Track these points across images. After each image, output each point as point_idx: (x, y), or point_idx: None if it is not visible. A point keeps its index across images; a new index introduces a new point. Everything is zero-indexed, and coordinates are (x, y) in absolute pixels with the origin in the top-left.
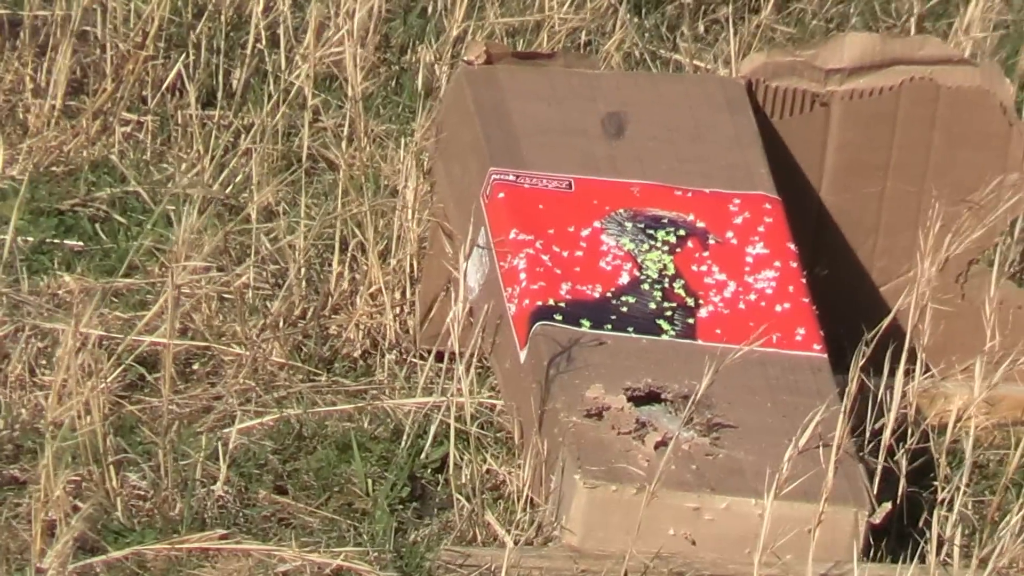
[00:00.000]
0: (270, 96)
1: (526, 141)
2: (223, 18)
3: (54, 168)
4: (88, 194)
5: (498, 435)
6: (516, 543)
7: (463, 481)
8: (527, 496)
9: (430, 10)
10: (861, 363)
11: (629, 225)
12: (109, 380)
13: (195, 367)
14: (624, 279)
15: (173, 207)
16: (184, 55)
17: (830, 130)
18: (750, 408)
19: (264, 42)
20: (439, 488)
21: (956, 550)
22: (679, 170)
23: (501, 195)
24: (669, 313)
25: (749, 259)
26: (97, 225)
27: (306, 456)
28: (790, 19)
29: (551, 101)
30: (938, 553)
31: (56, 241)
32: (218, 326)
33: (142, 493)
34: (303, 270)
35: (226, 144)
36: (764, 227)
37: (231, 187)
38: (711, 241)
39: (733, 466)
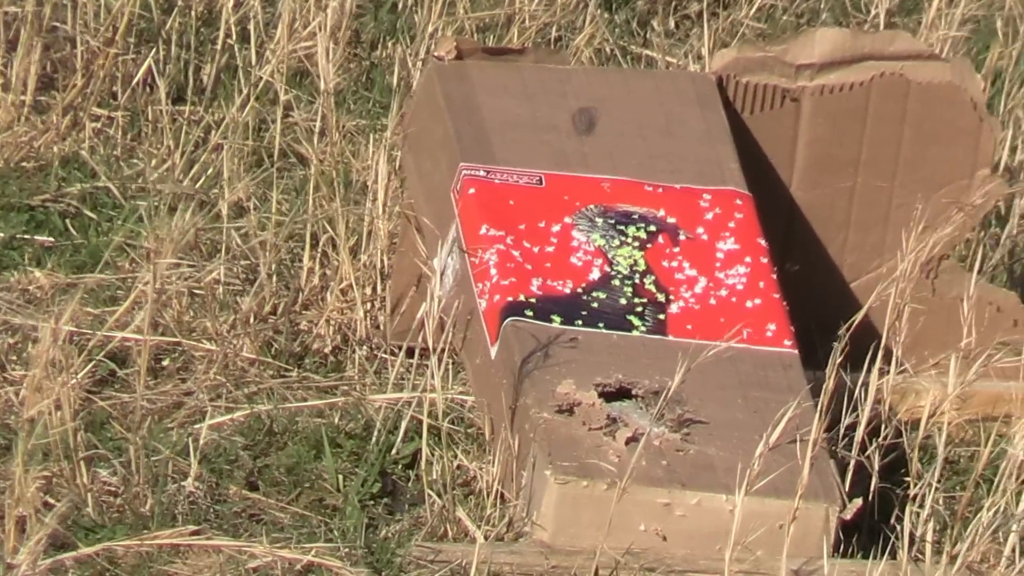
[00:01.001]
0: (240, 91)
1: (496, 137)
2: (193, 13)
3: (24, 163)
4: (58, 190)
5: (469, 431)
6: (487, 539)
7: (434, 477)
8: (498, 492)
9: (400, 6)
10: (839, 360)
11: (600, 221)
12: (80, 376)
13: (165, 363)
14: (595, 275)
15: (144, 202)
16: (154, 50)
17: (800, 126)
18: (721, 404)
19: (235, 37)
20: (410, 484)
21: (928, 546)
22: (650, 166)
23: (472, 191)
24: (640, 309)
25: (720, 255)
26: (68, 221)
27: (277, 452)
28: (761, 15)
29: (522, 97)
30: (909, 549)
31: (26, 236)
32: (188, 322)
33: (113, 489)
34: (274, 266)
35: (197, 140)
36: (735, 223)
37: (202, 182)
38: (682, 237)
39: (704, 462)
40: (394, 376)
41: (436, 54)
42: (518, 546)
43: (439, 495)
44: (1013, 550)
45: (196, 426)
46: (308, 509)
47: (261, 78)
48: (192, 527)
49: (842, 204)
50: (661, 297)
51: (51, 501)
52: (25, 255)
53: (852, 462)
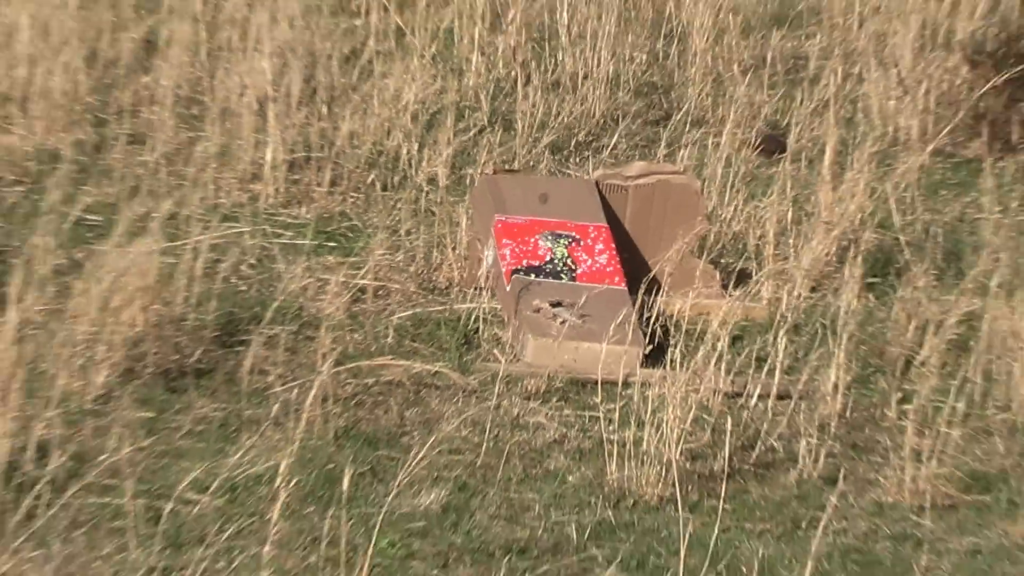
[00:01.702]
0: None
1: (509, 203)
2: None
3: None
4: None
5: (497, 319)
6: (507, 362)
7: (486, 337)
8: (510, 344)
9: (470, 152)
10: (642, 291)
11: (549, 236)
12: None
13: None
14: (547, 258)
15: None
16: None
17: (628, 202)
18: (596, 308)
19: (392, 159)
20: (477, 344)
21: (689, 362)
22: (569, 214)
23: (499, 225)
24: (565, 271)
25: (597, 250)
26: None
27: (414, 327)
28: (615, 153)
29: (519, 187)
30: (680, 365)
31: None
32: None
33: None
34: (423, 253)
35: None
36: (603, 240)
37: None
38: (581, 243)
39: (592, 329)
40: (469, 298)
41: (485, 171)
42: (518, 365)
43: (487, 344)
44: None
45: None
46: (435, 352)
47: (423, 175)
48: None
49: (646, 233)
50: (573, 267)
51: None
52: None
53: (653, 330)
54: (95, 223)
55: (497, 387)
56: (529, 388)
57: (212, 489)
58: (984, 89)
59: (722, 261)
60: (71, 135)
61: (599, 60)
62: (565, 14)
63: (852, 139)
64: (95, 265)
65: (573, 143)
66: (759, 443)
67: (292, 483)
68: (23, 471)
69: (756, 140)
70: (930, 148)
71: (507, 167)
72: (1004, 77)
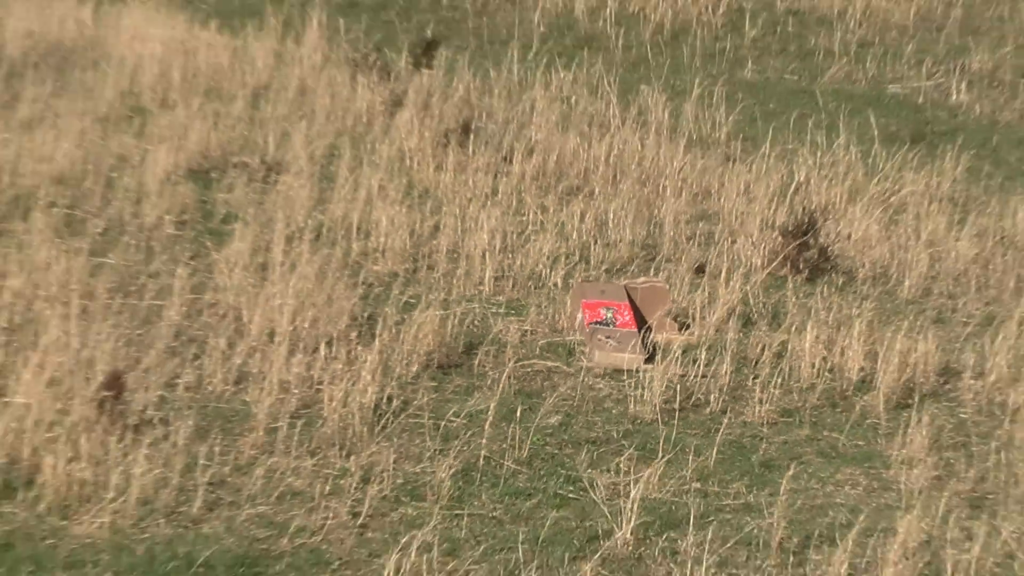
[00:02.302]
0: None
1: (588, 294)
2: None
3: None
4: None
5: (582, 344)
6: (586, 362)
7: (579, 352)
8: (587, 354)
9: (571, 272)
10: (642, 332)
11: (604, 308)
12: None
13: None
14: (604, 318)
15: None
16: None
17: (637, 294)
18: (623, 338)
19: (540, 276)
20: (576, 354)
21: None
22: (613, 299)
23: (584, 303)
24: (612, 322)
25: (624, 314)
26: None
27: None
28: (633, 274)
29: (592, 287)
30: (660, 362)
31: None
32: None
33: None
34: (553, 316)
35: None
36: (626, 310)
37: None
38: (618, 311)
39: (622, 347)
40: (571, 335)
41: (578, 280)
42: (591, 363)
43: (579, 354)
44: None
45: None
46: (557, 357)
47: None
48: None
49: (644, 307)
50: (614, 321)
51: None
52: None
53: (648, 349)
54: (411, 301)
55: (582, 373)
56: (596, 373)
57: (469, 415)
58: (791, 247)
59: (677, 319)
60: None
61: (620, 237)
62: (611, 223)
63: (735, 267)
64: (411, 322)
65: (615, 270)
66: (693, 396)
67: (494, 412)
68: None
69: (694, 266)
70: (765, 272)
71: (587, 279)
72: (797, 242)
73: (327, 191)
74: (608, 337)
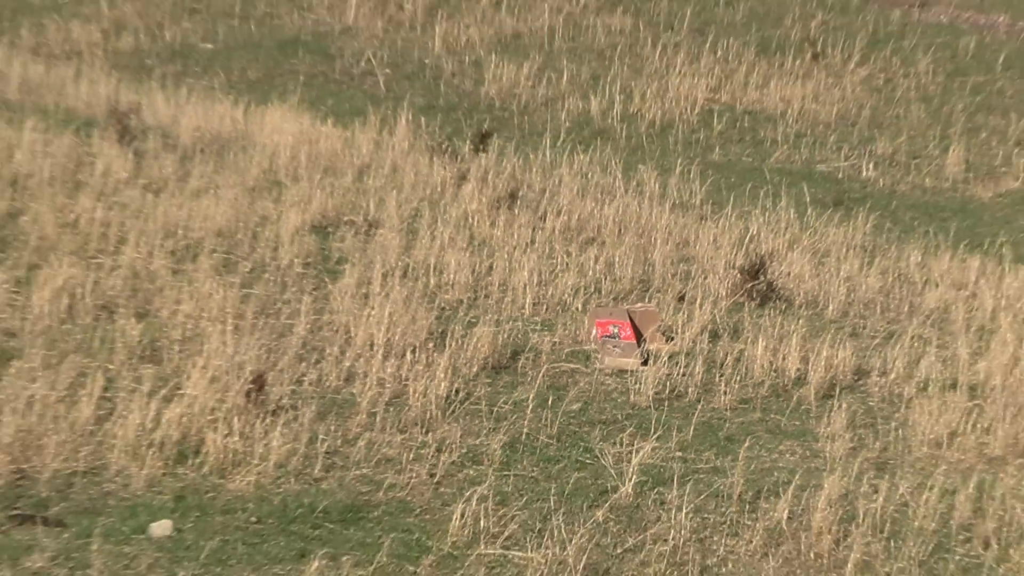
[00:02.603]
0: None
1: (599, 315)
2: None
3: None
4: None
5: (595, 351)
6: (599, 364)
7: (596, 357)
8: (600, 358)
9: (591, 299)
10: (640, 343)
11: (612, 325)
12: None
13: None
14: (611, 332)
15: None
16: None
17: (636, 315)
18: (626, 348)
19: (566, 304)
20: (592, 359)
21: None
22: (618, 318)
23: (597, 321)
24: (617, 335)
25: (627, 329)
26: None
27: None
28: (632, 300)
29: (604, 310)
30: (651, 364)
31: None
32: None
33: None
34: (575, 332)
35: None
36: (627, 326)
37: None
38: (622, 327)
39: (625, 353)
40: (587, 345)
41: (591, 305)
42: (603, 365)
43: (597, 359)
44: None
45: None
46: (576, 360)
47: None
48: None
49: (641, 324)
50: (619, 334)
51: None
52: None
53: (643, 355)
54: (472, 320)
55: (596, 372)
56: (606, 372)
57: (514, 402)
58: (747, 282)
59: (665, 333)
60: None
61: (623, 275)
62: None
63: (706, 297)
64: (472, 335)
65: (620, 298)
66: (676, 389)
67: (532, 401)
68: None
69: (676, 296)
70: (728, 300)
71: (599, 305)
72: (751, 279)
73: (412, 241)
74: (615, 346)
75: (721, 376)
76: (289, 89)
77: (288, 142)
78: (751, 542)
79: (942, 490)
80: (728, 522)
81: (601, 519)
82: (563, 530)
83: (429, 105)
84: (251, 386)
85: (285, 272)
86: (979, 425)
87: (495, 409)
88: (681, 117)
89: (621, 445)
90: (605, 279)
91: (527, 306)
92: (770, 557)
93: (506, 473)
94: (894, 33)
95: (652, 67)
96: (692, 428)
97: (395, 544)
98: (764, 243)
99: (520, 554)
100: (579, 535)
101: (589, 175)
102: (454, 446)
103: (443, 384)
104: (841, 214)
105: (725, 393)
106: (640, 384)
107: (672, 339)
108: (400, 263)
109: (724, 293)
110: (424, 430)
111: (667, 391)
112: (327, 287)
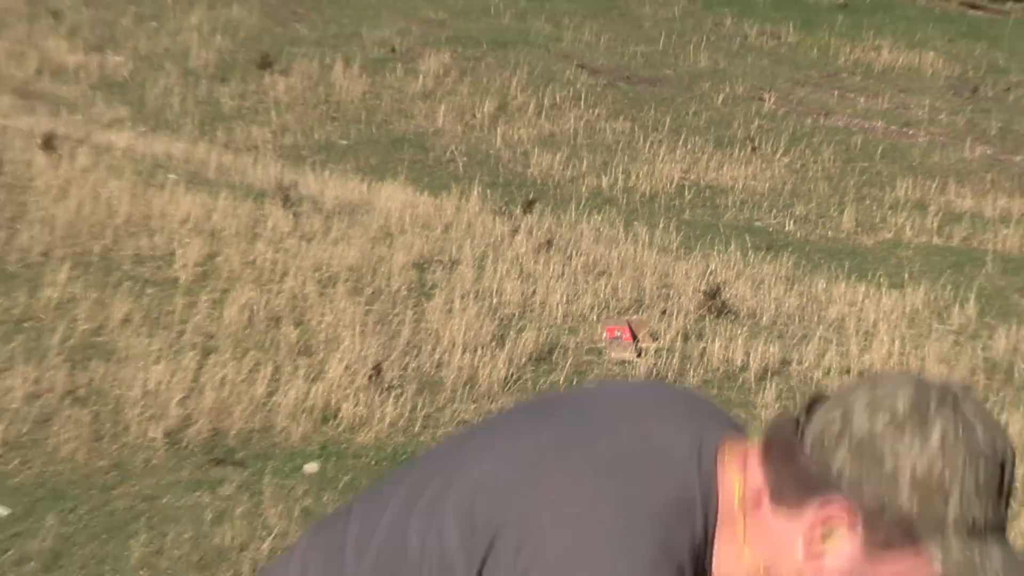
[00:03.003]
0: None
1: (608, 325)
2: None
3: None
4: None
5: (603, 349)
6: (608, 355)
7: (606, 351)
8: (608, 352)
9: (602, 316)
10: (636, 342)
11: (617, 330)
12: None
13: None
14: (616, 335)
15: None
16: None
17: (635, 325)
18: (627, 346)
19: (586, 319)
20: (603, 353)
21: None
22: (623, 325)
23: (607, 327)
24: (620, 336)
25: (627, 333)
26: None
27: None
28: (630, 313)
29: (611, 321)
30: (642, 355)
31: None
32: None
33: None
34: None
35: None
36: (627, 331)
37: None
38: (623, 332)
39: (626, 348)
40: (600, 344)
41: (603, 317)
42: (610, 356)
43: (606, 353)
44: None
45: None
46: (592, 353)
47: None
48: None
49: (637, 330)
50: (622, 336)
51: None
52: None
53: (637, 351)
54: (521, 327)
55: (606, 362)
56: (612, 362)
57: (550, 383)
58: (707, 300)
59: (653, 335)
60: None
61: (625, 296)
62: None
63: (680, 311)
64: (521, 337)
65: (622, 312)
66: (660, 374)
67: (563, 382)
68: None
69: (660, 310)
70: (695, 313)
71: (608, 317)
72: (710, 298)
73: (480, 274)
74: (618, 344)
75: (690, 364)
76: (398, 172)
77: (397, 207)
78: None
79: None
80: None
81: None
82: None
83: (493, 182)
84: (372, 372)
85: (395, 295)
86: None
87: (538, 386)
88: (663, 190)
89: None
90: (612, 300)
91: (559, 317)
92: None
93: None
94: (807, 133)
95: (644, 156)
96: None
97: None
98: (719, 275)
99: None
100: None
101: (600, 229)
102: None
103: (502, 370)
104: (771, 255)
105: (693, 376)
106: (636, 369)
107: (657, 339)
108: (473, 289)
109: (692, 308)
110: (490, 401)
111: (654, 374)
112: (423, 305)
